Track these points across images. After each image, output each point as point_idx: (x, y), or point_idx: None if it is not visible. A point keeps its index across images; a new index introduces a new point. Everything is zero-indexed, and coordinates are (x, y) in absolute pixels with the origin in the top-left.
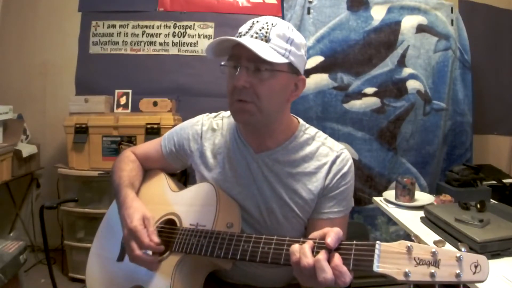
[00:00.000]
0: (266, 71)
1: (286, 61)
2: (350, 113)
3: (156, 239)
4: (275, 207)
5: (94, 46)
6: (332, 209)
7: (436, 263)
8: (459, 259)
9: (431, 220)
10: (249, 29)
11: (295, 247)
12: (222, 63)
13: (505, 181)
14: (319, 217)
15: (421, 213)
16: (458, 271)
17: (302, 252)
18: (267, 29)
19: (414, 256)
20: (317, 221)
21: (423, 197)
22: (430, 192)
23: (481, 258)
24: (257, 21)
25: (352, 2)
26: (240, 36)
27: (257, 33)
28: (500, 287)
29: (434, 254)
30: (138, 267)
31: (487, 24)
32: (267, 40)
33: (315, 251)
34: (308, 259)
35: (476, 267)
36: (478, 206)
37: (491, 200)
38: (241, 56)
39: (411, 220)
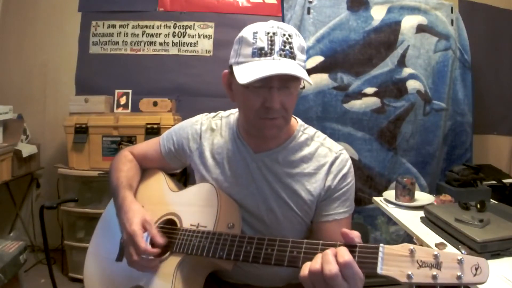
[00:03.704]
0: (293, 87)
1: (305, 71)
2: (350, 113)
3: (160, 240)
4: (274, 206)
5: (94, 46)
6: (337, 210)
7: (438, 265)
8: (460, 262)
9: (431, 220)
10: (271, 45)
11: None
12: (244, 83)
13: (505, 181)
14: (325, 220)
15: (421, 213)
16: (459, 273)
17: (325, 259)
18: (290, 43)
19: (416, 259)
20: (323, 223)
21: (423, 197)
22: (430, 192)
23: (482, 261)
24: (274, 33)
25: (352, 2)
26: (266, 55)
27: (283, 50)
28: (500, 287)
29: (436, 256)
30: None
31: (487, 24)
32: (294, 57)
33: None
34: (331, 265)
35: (476, 269)
36: (478, 206)
37: (491, 200)
38: (271, 77)
39: (411, 220)
